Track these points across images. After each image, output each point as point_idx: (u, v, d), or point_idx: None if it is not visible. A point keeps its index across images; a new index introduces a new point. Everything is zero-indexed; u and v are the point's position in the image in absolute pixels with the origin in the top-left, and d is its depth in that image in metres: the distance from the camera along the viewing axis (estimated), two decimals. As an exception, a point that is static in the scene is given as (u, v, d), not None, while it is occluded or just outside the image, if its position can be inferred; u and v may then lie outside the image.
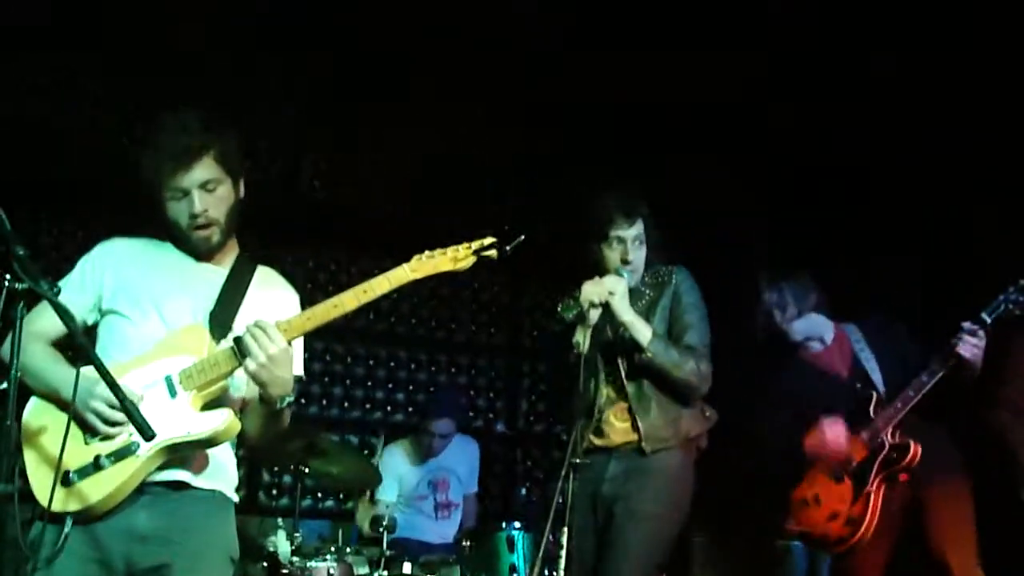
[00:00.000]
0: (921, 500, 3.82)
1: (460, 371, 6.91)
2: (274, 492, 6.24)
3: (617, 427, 3.73)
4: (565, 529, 3.35)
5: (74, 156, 5.61)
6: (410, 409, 6.66)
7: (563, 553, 3.34)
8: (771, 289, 4.09)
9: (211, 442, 2.62)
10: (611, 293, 3.59)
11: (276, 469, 6.03)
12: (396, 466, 5.58)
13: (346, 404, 6.57)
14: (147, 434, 2.39)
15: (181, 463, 2.65)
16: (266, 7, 5.18)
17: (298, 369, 2.81)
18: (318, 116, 6.15)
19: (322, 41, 5.48)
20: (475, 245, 2.69)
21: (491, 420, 7.00)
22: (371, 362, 6.66)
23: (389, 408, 6.67)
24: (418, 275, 2.65)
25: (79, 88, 5.65)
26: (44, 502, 2.50)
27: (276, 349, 2.54)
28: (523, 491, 5.56)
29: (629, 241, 3.77)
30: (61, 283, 2.76)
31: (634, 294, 3.76)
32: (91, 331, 2.82)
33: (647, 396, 3.70)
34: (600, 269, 3.77)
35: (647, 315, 3.76)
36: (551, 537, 4.60)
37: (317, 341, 6.48)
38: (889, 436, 3.81)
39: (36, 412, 2.67)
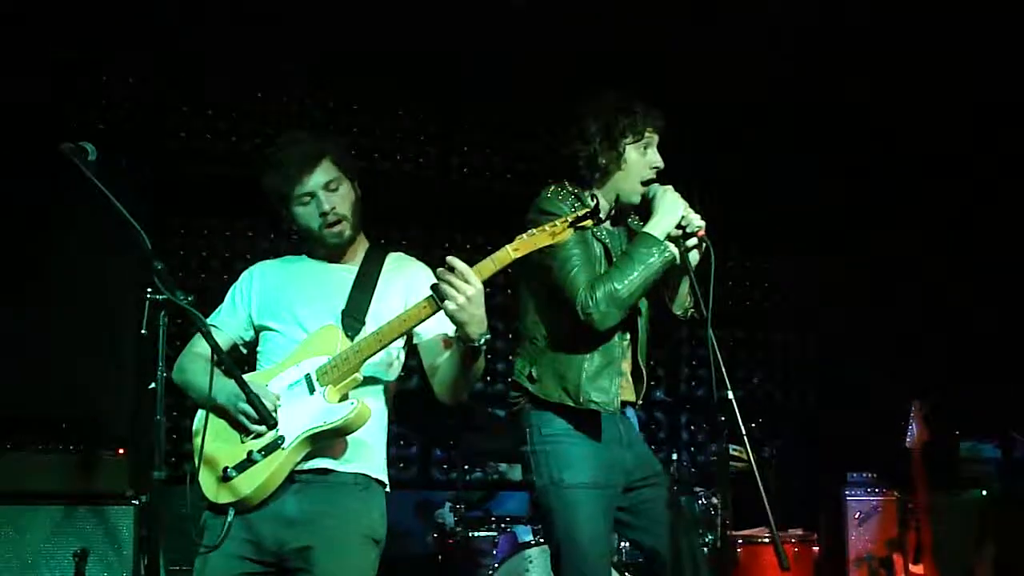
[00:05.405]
0: None
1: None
2: (444, 467, 6.48)
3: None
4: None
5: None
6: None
7: None
8: None
9: (345, 429, 2.82)
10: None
11: (446, 445, 6.23)
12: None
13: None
14: (269, 422, 2.74)
15: (325, 451, 2.86)
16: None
17: None
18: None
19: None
20: (571, 218, 2.76)
21: (651, 387, 7.00)
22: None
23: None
24: (519, 254, 2.72)
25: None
26: (210, 496, 2.84)
27: (474, 291, 2.65)
28: (675, 455, 5.52)
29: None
30: (217, 310, 3.13)
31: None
32: (252, 345, 3.13)
33: None
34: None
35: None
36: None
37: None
38: None
39: (201, 422, 2.95)
